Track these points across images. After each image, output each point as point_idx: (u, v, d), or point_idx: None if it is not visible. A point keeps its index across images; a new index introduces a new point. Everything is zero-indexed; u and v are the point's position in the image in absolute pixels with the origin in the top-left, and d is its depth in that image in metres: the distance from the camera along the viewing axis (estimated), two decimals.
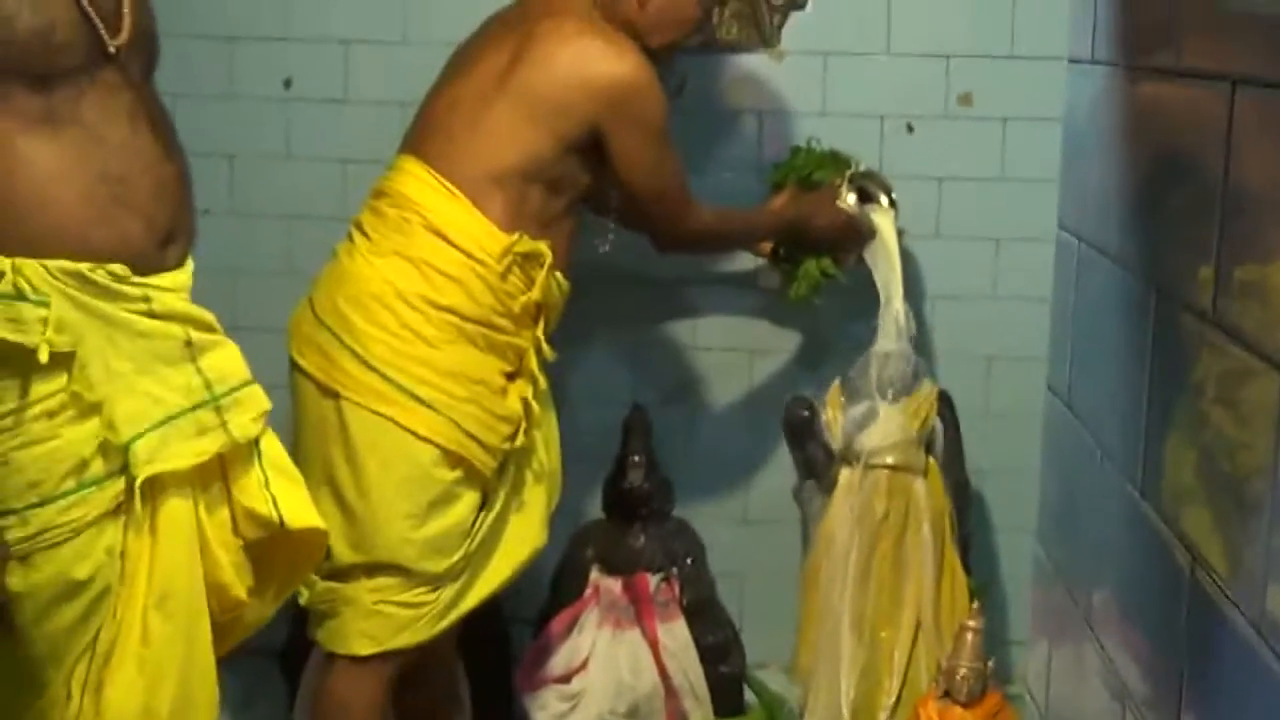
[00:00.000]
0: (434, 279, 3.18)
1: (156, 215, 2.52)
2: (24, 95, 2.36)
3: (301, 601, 3.25)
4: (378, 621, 3.23)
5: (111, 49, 2.45)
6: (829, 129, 4.02)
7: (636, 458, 3.93)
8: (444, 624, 3.32)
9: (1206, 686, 1.52)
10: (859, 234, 3.80)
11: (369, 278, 3.20)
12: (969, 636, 3.26)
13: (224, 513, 2.68)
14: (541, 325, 3.34)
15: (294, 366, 3.28)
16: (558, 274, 3.34)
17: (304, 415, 3.27)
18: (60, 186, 2.40)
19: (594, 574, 3.91)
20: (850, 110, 4.07)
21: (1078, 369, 1.91)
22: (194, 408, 2.58)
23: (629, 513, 3.95)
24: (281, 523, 2.70)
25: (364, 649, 3.24)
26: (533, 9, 3.40)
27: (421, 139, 3.33)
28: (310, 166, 4.16)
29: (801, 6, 3.98)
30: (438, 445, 3.17)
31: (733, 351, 4.24)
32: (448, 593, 3.29)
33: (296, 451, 3.16)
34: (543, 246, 3.26)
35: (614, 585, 3.88)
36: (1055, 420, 1.99)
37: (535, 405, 3.36)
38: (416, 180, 3.24)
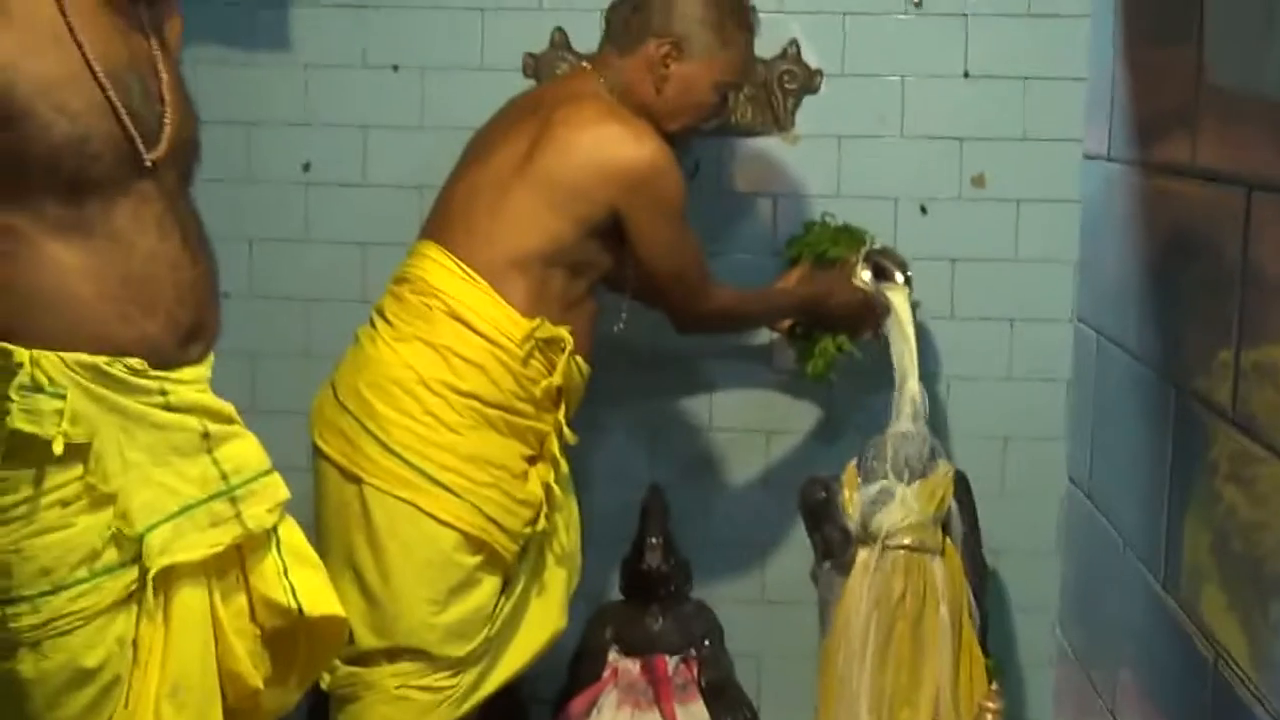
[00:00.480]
0: (456, 364, 3.20)
1: (178, 315, 2.54)
2: (55, 204, 2.40)
3: (323, 686, 3.26)
4: (400, 707, 3.24)
5: (147, 162, 2.48)
6: (843, 210, 4.04)
7: (654, 539, 3.92)
8: (465, 708, 3.34)
9: None
10: (874, 312, 3.81)
11: (391, 363, 3.22)
12: (988, 718, 3.25)
13: (240, 601, 2.68)
14: (563, 409, 3.35)
15: (316, 451, 3.29)
16: (578, 358, 3.35)
17: (326, 499, 3.27)
18: (82, 286, 2.43)
19: (612, 655, 3.89)
20: (864, 192, 4.08)
21: (1098, 460, 1.91)
22: (209, 499, 2.59)
23: (647, 594, 3.94)
24: (300, 611, 2.71)
25: None
26: (550, 95, 3.44)
27: (442, 225, 3.34)
28: (329, 249, 4.18)
29: (815, 90, 4.01)
30: (460, 530, 3.19)
31: (749, 432, 4.23)
32: (469, 677, 3.30)
33: (318, 534, 3.21)
34: (564, 332, 3.28)
35: (632, 666, 3.87)
36: (1075, 509, 2.00)
37: (556, 489, 3.37)
38: (438, 266, 3.26)
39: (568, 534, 3.51)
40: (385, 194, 4.12)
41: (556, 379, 3.30)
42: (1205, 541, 1.56)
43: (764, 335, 4.07)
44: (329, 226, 4.18)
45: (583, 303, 3.38)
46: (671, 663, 3.87)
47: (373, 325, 3.33)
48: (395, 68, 4.12)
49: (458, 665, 3.26)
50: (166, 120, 2.54)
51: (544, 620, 3.46)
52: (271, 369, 4.11)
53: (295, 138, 4.17)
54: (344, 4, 4.09)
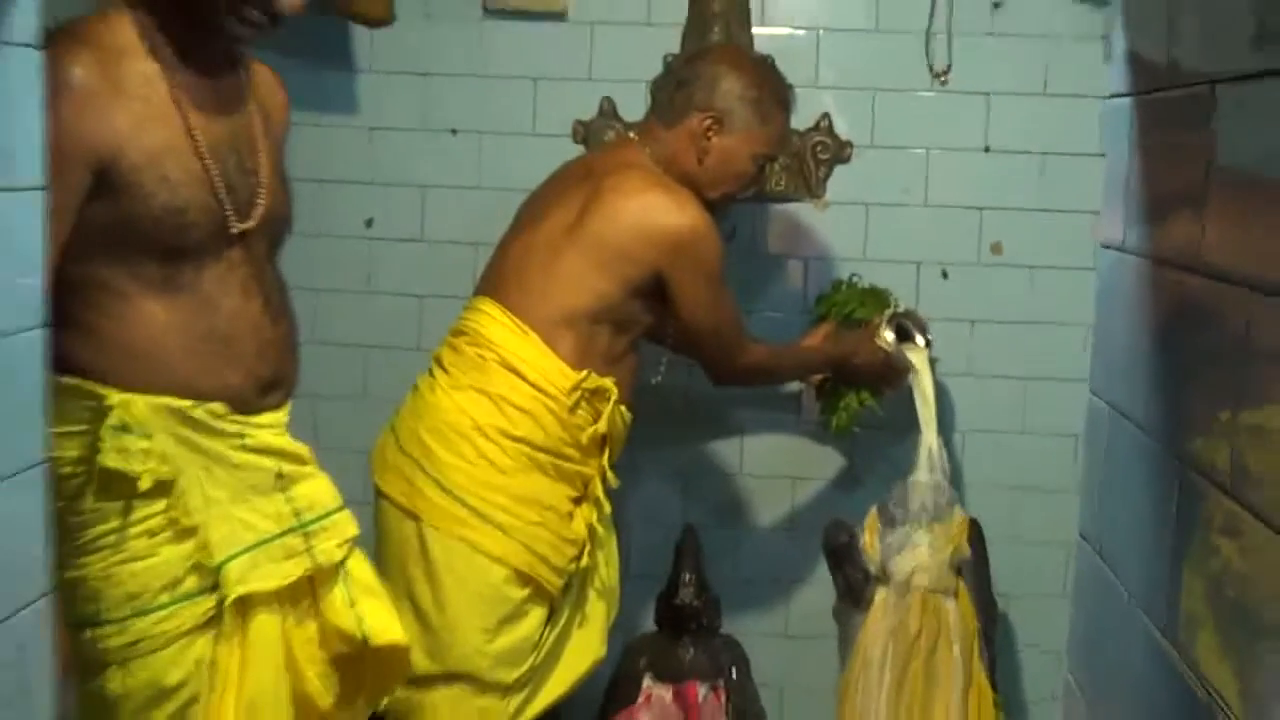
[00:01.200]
0: (508, 412, 3.26)
1: (258, 369, 2.63)
2: (151, 264, 2.48)
3: (380, 707, 3.22)
4: None
5: (236, 231, 2.56)
6: (869, 273, 4.10)
7: (688, 576, 3.95)
8: None
9: None
10: (896, 371, 3.85)
11: (449, 409, 3.28)
12: None
13: (311, 628, 2.75)
14: (606, 454, 3.40)
15: (377, 492, 3.36)
16: (621, 407, 3.41)
17: (386, 535, 3.33)
18: (170, 339, 2.51)
19: (647, 682, 3.93)
20: (889, 256, 4.14)
21: (1106, 518, 2.00)
22: (282, 534, 2.67)
23: (680, 626, 3.98)
24: (366, 639, 2.76)
25: None
26: (599, 163, 3.50)
27: (497, 282, 3.40)
28: (389, 300, 4.23)
29: (846, 160, 4.07)
30: (510, 566, 3.24)
31: (777, 478, 4.29)
32: (515, 700, 3.35)
33: (378, 566, 3.22)
34: (608, 383, 3.34)
35: (665, 693, 3.91)
36: (1085, 561, 2.08)
37: (599, 528, 3.42)
38: (493, 320, 3.33)
39: (608, 570, 3.56)
40: (442, 249, 4.18)
41: (602, 426, 3.35)
42: (1200, 591, 1.64)
43: (793, 386, 4.11)
44: (389, 279, 4.25)
45: (626, 356, 3.44)
46: (701, 691, 3.90)
47: (431, 374, 3.38)
48: (454, 131, 4.19)
49: (506, 690, 3.31)
50: (260, 195, 2.62)
51: (585, 649, 3.51)
52: (333, 410, 4.14)
53: (359, 195, 4.23)
54: (407, 72, 4.17)
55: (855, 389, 3.97)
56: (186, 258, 2.52)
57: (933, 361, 3.90)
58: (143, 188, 2.42)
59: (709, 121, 3.46)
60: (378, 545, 3.35)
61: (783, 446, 4.29)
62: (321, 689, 2.78)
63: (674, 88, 3.55)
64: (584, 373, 3.32)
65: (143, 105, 2.44)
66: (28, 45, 1.90)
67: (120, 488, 2.45)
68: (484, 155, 4.21)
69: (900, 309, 3.97)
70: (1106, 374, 2.03)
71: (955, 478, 3.98)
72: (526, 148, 4.10)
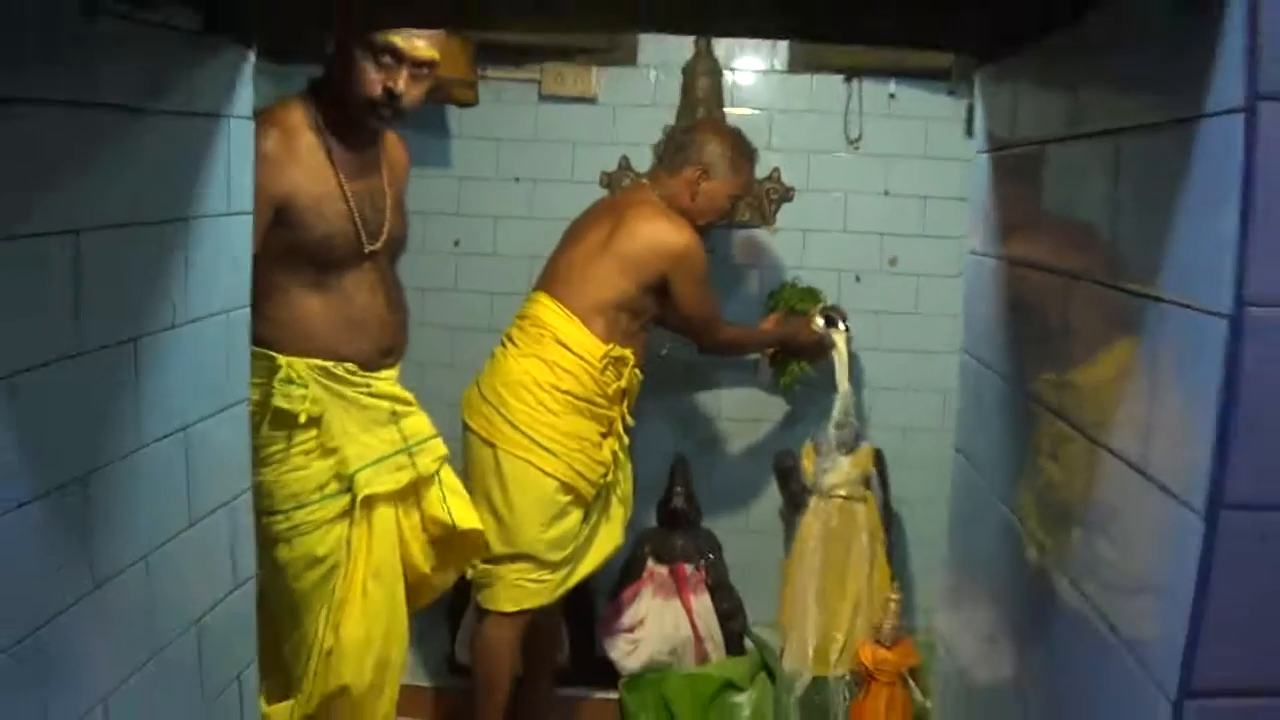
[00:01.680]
0: (558, 373, 3.31)
1: (380, 341, 2.73)
2: (310, 272, 2.59)
3: (468, 576, 3.33)
4: (518, 591, 3.34)
5: (368, 250, 2.67)
6: (806, 278, 4.12)
7: (679, 489, 3.98)
8: (559, 593, 3.43)
9: (1040, 640, 1.62)
10: (824, 347, 3.90)
11: (516, 370, 3.33)
12: (891, 604, 3.33)
13: (415, 517, 2.84)
14: (625, 403, 3.45)
15: (465, 427, 3.39)
16: (637, 370, 3.45)
17: (471, 458, 3.36)
18: (320, 321, 2.62)
19: (649, 563, 3.92)
20: (820, 266, 4.16)
21: (974, 440, 2.05)
22: (394, 453, 2.77)
23: (673, 524, 3.99)
24: (454, 525, 2.87)
25: (509, 607, 3.35)
26: (622, 200, 3.56)
27: (550, 281, 3.45)
28: (469, 297, 4.24)
29: (789, 200, 4.09)
30: (559, 479, 3.29)
31: (743, 420, 4.31)
32: (562, 574, 3.40)
33: (465, 481, 3.26)
34: (628, 353, 3.39)
35: (663, 570, 3.91)
36: (959, 470, 2.13)
37: (621, 454, 3.47)
38: (547, 309, 3.38)
39: (625, 484, 3.59)
40: (507, 261, 4.17)
41: (623, 383, 3.40)
42: (1036, 481, 1.70)
43: (753, 356, 4.12)
44: (470, 282, 4.26)
45: (639, 334, 3.46)
46: (689, 569, 3.91)
47: (504, 345, 3.41)
48: (517, 179, 4.20)
49: (554, 566, 3.35)
50: (384, 225, 2.72)
51: (609, 539, 3.55)
52: (431, 374, 3.97)
53: (451, 224, 4.23)
54: (485, 138, 4.18)
55: (797, 359, 4.01)
56: (333, 267, 2.63)
57: (849, 341, 3.93)
58: (306, 222, 2.55)
59: (698, 172, 3.51)
60: (465, 465, 3.37)
61: (746, 398, 4.29)
62: (422, 560, 2.88)
63: (675, 149, 3.60)
64: (610, 345, 3.36)
65: (309, 167, 2.57)
66: (245, 118, 1.97)
67: (285, 421, 2.55)
68: (536, 196, 4.21)
69: (828, 304, 4.01)
70: (973, 338, 2.08)
71: (865, 420, 4.02)
72: (567, 191, 4.09)
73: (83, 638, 1.58)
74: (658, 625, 3.85)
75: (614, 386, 3.39)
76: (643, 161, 4.06)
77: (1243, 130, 1.09)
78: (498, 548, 3.30)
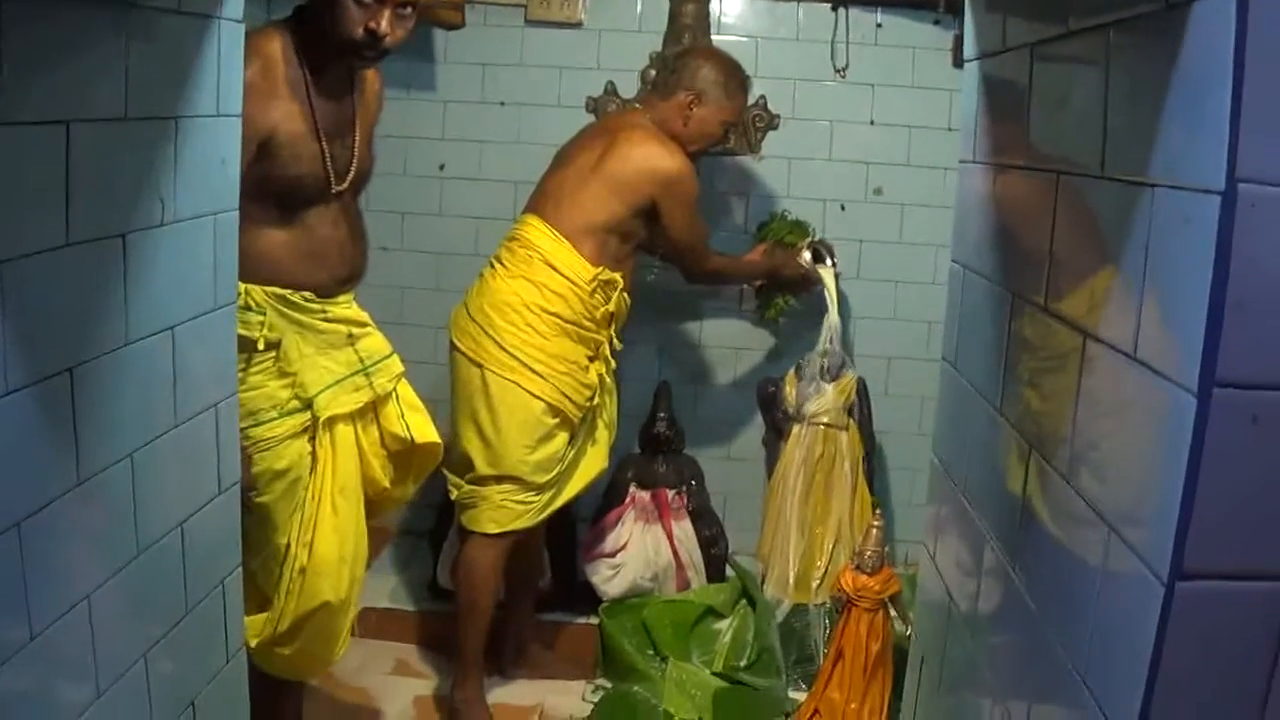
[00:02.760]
0: (546, 294, 3.29)
1: (338, 271, 2.72)
2: (276, 209, 2.59)
3: (453, 497, 3.36)
4: (503, 512, 3.34)
5: (335, 190, 2.67)
6: (790, 207, 4.12)
7: (662, 415, 3.99)
8: (543, 516, 3.43)
9: (1030, 539, 1.63)
10: (811, 281, 3.91)
11: (504, 290, 3.31)
12: (873, 531, 3.28)
13: (374, 433, 2.87)
14: (613, 327, 3.44)
15: (453, 346, 3.37)
16: (625, 294, 3.43)
17: (458, 378, 3.35)
18: (282, 254, 2.62)
19: (632, 488, 3.91)
20: (805, 195, 4.17)
21: (963, 344, 2.06)
22: (352, 374, 2.78)
23: (656, 449, 3.99)
24: (411, 439, 2.89)
25: (493, 529, 3.34)
26: (614, 123, 3.53)
27: (540, 203, 3.41)
28: (455, 222, 4.24)
29: (775, 128, 4.05)
30: (545, 401, 3.28)
31: (725, 348, 4.32)
32: (546, 496, 3.40)
33: (453, 400, 3.30)
34: (617, 276, 3.37)
35: (645, 496, 3.91)
36: (947, 376, 2.14)
37: (607, 379, 3.47)
38: (536, 230, 3.35)
39: (611, 409, 3.58)
40: (492, 186, 4.18)
41: (611, 307, 3.38)
42: (1024, 379, 1.71)
43: (736, 289, 4.16)
44: (456, 206, 4.25)
45: (629, 259, 3.44)
46: (670, 495, 3.92)
47: (492, 266, 3.38)
48: (502, 104, 4.19)
49: (540, 488, 3.35)
50: (353, 164, 2.70)
51: (594, 462, 3.55)
52: (415, 297, 4.13)
53: (436, 148, 4.22)
54: (470, 62, 4.16)
55: (782, 292, 4.03)
56: (300, 205, 2.63)
57: (837, 277, 3.92)
58: (280, 160, 2.54)
59: (691, 97, 3.47)
60: (452, 384, 3.38)
61: (730, 328, 4.30)
62: (382, 474, 2.90)
63: (668, 73, 3.55)
64: (600, 268, 3.34)
65: (288, 103, 2.55)
66: (235, 21, 1.95)
67: (243, 345, 2.49)
68: (522, 120, 4.20)
69: (816, 238, 3.99)
70: (962, 246, 2.09)
71: (848, 349, 4.00)
72: (553, 116, 4.09)
73: (66, 533, 1.58)
74: (640, 550, 3.85)
75: (602, 310, 3.37)
76: (629, 88, 4.02)
77: (1235, 9, 1.10)
78: (483, 469, 3.31)
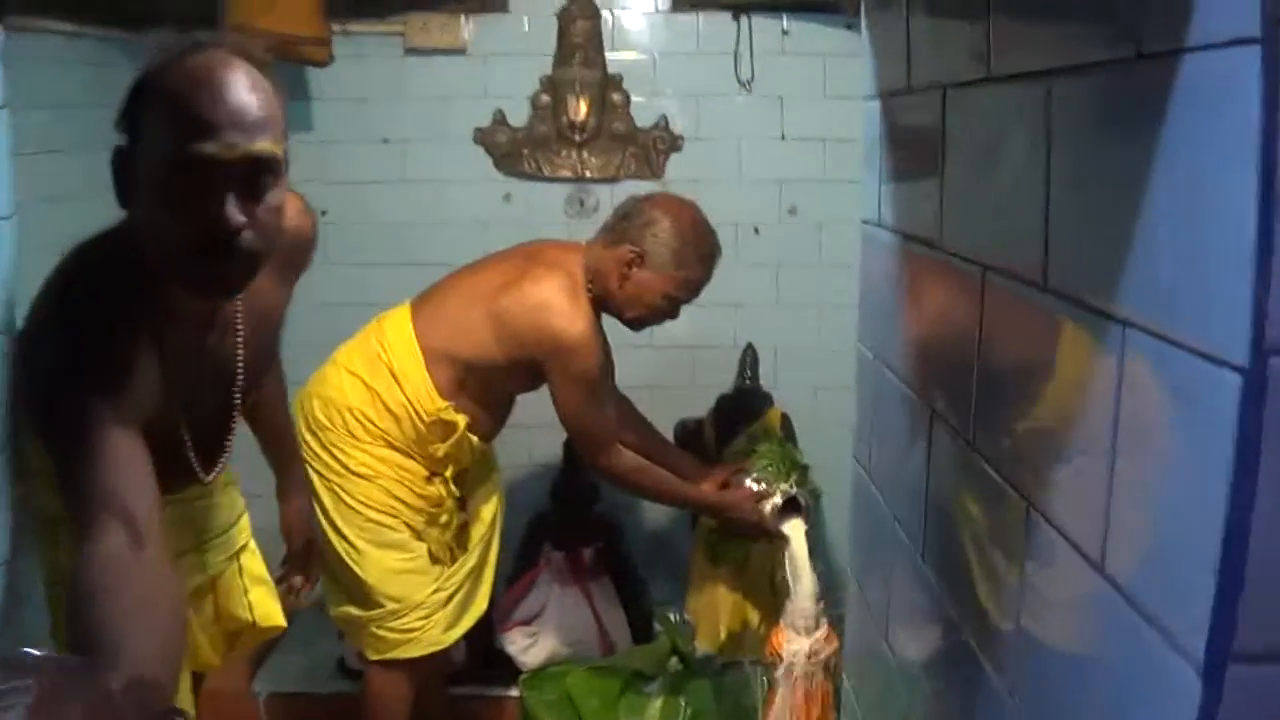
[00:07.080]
0: (378, 407, 2.86)
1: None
2: None
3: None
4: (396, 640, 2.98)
5: (202, 479, 2.03)
6: None
7: (573, 465, 3.60)
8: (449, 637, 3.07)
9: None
10: (765, 532, 3.11)
11: (336, 384, 2.91)
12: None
13: (208, 611, 2.37)
14: (449, 472, 2.96)
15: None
16: (473, 437, 2.94)
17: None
18: None
19: (546, 549, 3.56)
20: (715, 220, 3.59)
21: (878, 453, 1.66)
22: (178, 556, 2.13)
23: (569, 505, 3.65)
24: (254, 622, 2.46)
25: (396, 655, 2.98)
26: (545, 255, 2.98)
27: (423, 301, 2.97)
28: (343, 269, 3.84)
29: (679, 149, 3.82)
30: (376, 508, 2.91)
31: (639, 387, 3.68)
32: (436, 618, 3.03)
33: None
34: (459, 419, 2.89)
35: (559, 556, 3.54)
36: (862, 489, 1.74)
37: (450, 501, 3.01)
38: (399, 330, 2.91)
39: (491, 518, 3.15)
40: (381, 229, 3.88)
41: (446, 449, 2.91)
42: (948, 534, 1.33)
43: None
44: (342, 254, 3.85)
45: (495, 405, 2.98)
46: (588, 552, 3.58)
47: (344, 348, 2.98)
48: (385, 140, 3.87)
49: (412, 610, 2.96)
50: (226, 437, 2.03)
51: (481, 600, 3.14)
52: (300, 355, 3.74)
53: (316, 192, 3.58)
54: (347, 98, 3.83)
55: (740, 539, 3.26)
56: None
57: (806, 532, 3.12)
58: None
59: (632, 255, 2.91)
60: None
61: (642, 362, 3.89)
62: (212, 653, 2.40)
63: (620, 217, 3.00)
64: (445, 404, 2.87)
65: (143, 378, 1.62)
66: None
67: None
68: (408, 157, 3.88)
69: (793, 493, 3.14)
70: (871, 328, 1.71)
71: (769, 382, 3.75)
72: (441, 150, 3.82)
73: None
74: (557, 615, 3.54)
75: (439, 448, 2.91)
76: (519, 115, 3.73)
77: (1259, 68, 0.66)
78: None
